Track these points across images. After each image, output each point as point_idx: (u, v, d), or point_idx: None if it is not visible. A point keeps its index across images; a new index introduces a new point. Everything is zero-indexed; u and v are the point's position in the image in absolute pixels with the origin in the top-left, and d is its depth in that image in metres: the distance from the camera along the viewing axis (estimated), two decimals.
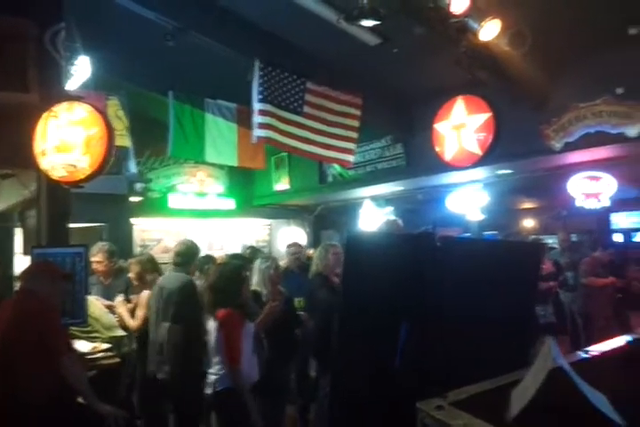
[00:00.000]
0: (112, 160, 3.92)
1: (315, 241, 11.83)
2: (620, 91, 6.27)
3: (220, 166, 11.34)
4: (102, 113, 4.01)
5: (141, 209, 10.56)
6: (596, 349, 1.78)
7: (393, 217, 8.30)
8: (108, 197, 9.02)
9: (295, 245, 6.75)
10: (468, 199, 9.31)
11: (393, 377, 1.76)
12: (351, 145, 7.36)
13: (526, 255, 2.38)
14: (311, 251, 7.56)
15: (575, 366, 1.24)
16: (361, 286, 1.76)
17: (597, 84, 6.37)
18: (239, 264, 4.19)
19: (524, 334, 1.90)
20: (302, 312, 4.94)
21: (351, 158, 7.49)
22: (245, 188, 12.39)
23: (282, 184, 11.38)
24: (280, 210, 12.68)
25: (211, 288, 3.79)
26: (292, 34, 6.71)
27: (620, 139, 6.36)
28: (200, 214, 11.57)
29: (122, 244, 8.28)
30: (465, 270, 1.86)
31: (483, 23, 5.20)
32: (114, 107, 7.89)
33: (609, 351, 1.73)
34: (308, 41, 6.77)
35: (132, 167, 8.68)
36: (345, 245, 1.86)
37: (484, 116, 7.42)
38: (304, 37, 6.70)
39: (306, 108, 7.00)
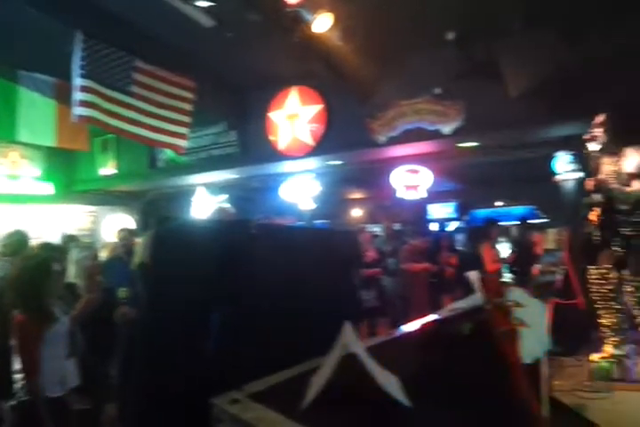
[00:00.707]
0: None
1: (145, 230, 11.26)
2: (437, 91, 6.82)
3: (37, 147, 10.24)
4: None
5: None
6: (405, 329, 1.87)
7: (226, 205, 8.20)
8: None
9: (125, 230, 6.40)
10: (301, 189, 9.51)
11: (206, 369, 1.68)
12: (183, 129, 7.11)
13: (342, 242, 2.45)
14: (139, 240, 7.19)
15: (379, 349, 1.27)
16: (171, 275, 1.65)
17: (418, 82, 6.86)
18: (47, 256, 3.77)
19: (343, 319, 1.90)
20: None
21: (183, 143, 7.25)
22: (66, 171, 11.38)
23: (108, 168, 10.63)
24: (106, 196, 11.84)
25: (11, 285, 3.35)
26: (121, 7, 6.23)
27: (436, 135, 6.94)
28: (11, 199, 10.37)
29: None
30: (281, 258, 1.85)
31: (316, 15, 5.28)
32: None
33: (414, 331, 1.83)
34: (138, 16, 6.34)
35: None
36: (154, 233, 1.73)
37: (317, 108, 7.62)
38: (134, 12, 6.26)
39: (134, 88, 6.60)
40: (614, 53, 5.34)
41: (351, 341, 1.25)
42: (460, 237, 10.07)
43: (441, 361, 1.45)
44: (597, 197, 3.99)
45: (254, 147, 8.51)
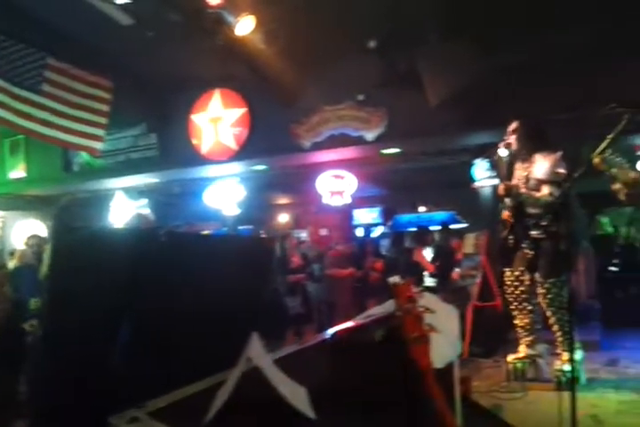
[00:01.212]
0: None
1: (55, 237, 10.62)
2: (360, 97, 6.91)
3: None
4: None
5: None
6: (317, 338, 1.83)
7: (145, 210, 7.94)
8: None
9: (35, 237, 6.09)
10: (225, 194, 9.33)
11: (111, 384, 1.57)
12: (99, 131, 6.84)
13: (256, 249, 2.38)
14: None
15: (288, 359, 1.22)
16: (74, 287, 1.53)
17: (342, 89, 6.92)
18: None
19: (260, 328, 1.83)
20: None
21: (99, 146, 6.98)
22: None
23: (18, 171, 10.00)
24: (16, 201, 11.12)
25: None
26: (33, 3, 5.91)
27: (359, 141, 7.02)
28: None
29: None
30: (191, 266, 1.77)
31: (238, 18, 5.20)
32: None
33: (326, 340, 1.79)
34: (51, 13, 6.04)
35: None
36: (54, 244, 1.61)
37: (240, 111, 7.52)
38: (47, 8, 5.96)
39: (45, 87, 6.30)
40: (527, 64, 5.60)
41: (256, 353, 1.19)
42: (384, 243, 10.22)
43: (352, 368, 1.42)
44: (508, 201, 4.17)
45: (175, 150, 8.27)
